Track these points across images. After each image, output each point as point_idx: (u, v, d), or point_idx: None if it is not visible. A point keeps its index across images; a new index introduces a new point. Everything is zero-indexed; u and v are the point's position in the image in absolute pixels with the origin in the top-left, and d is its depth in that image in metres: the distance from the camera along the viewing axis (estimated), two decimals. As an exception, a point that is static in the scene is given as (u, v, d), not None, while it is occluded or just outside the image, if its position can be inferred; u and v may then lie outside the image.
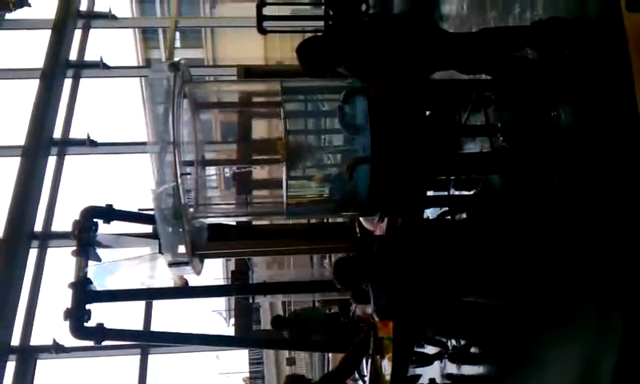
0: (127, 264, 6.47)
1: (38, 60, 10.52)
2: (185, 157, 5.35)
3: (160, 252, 5.52)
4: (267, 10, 9.68)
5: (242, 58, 16.11)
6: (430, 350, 6.50)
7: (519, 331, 4.90)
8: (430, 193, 5.75)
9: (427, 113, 5.44)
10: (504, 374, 5.38)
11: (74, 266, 6.17)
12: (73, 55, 11.10)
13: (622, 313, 3.66)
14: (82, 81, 11.07)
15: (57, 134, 10.18)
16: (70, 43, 11.10)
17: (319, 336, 7.97)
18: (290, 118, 5.30)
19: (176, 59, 5.26)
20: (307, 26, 9.97)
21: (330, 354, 11.13)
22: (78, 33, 11.37)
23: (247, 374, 21.17)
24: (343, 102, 5.00)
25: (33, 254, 9.06)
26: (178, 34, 15.99)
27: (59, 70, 10.56)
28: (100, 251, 6.40)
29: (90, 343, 6.46)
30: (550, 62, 4.43)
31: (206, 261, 5.69)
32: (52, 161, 9.94)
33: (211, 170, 6.12)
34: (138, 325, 8.89)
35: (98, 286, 6.24)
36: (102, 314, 6.27)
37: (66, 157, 10.19)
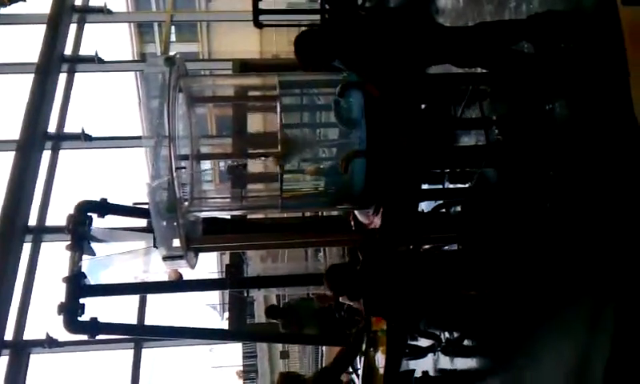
0: (121, 258, 6.44)
1: (32, 54, 10.50)
2: (180, 151, 5.33)
3: (154, 246, 5.49)
4: (263, 4, 9.66)
5: (238, 51, 16.07)
6: (424, 342, 6.51)
7: (512, 324, 4.92)
8: (424, 186, 5.76)
9: (423, 106, 5.45)
10: (497, 366, 5.40)
11: (68, 260, 6.13)
12: (68, 50, 11.08)
13: (614, 306, 3.68)
14: (77, 75, 11.05)
15: (51, 128, 10.17)
16: (65, 38, 11.07)
17: (313, 327, 7.97)
18: (286, 112, 5.30)
19: (171, 53, 5.24)
20: (303, 20, 9.96)
21: (324, 347, 11.17)
22: (73, 27, 11.32)
23: (241, 368, 21.20)
24: (339, 96, 4.99)
25: (27, 248, 9.04)
26: (173, 28, 15.92)
27: (54, 65, 10.52)
28: (94, 245, 6.36)
29: (84, 337, 6.44)
30: (545, 56, 4.43)
31: (201, 254, 5.68)
32: (46, 155, 9.93)
33: (206, 164, 6.10)
34: (132, 319, 8.90)
35: (92, 280, 6.21)
36: (95, 308, 6.25)
37: (61, 151, 10.18)
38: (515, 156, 4.95)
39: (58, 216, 9.20)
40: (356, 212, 5.62)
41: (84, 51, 11.25)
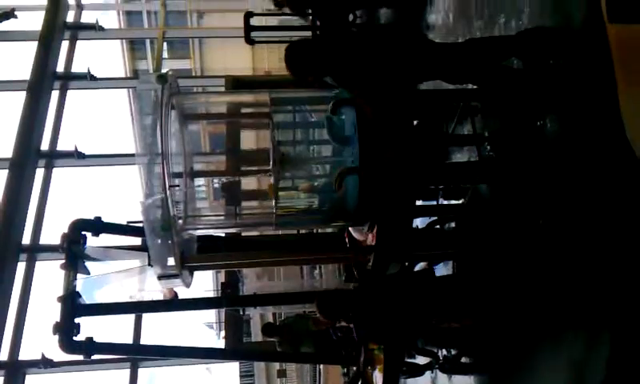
0: (116, 277, 6.42)
1: (24, 72, 10.50)
2: (173, 168, 5.34)
3: (149, 264, 5.49)
4: (255, 21, 9.70)
5: (230, 68, 16.10)
6: (421, 360, 6.50)
7: (509, 342, 4.92)
8: (418, 202, 5.77)
9: (415, 123, 5.48)
10: (494, 383, 5.40)
11: (62, 280, 6.12)
12: (60, 67, 11.08)
13: (609, 326, 3.68)
14: (70, 92, 11.04)
15: (44, 146, 10.15)
16: (57, 55, 11.07)
17: (310, 345, 7.95)
18: (278, 129, 5.32)
19: (164, 70, 5.26)
20: (295, 37, 9.99)
21: (322, 366, 11.14)
22: (64, 44, 11.34)
23: (238, 386, 21.04)
24: (331, 113, 5.02)
25: (21, 267, 9.00)
26: (165, 44, 15.96)
27: (46, 82, 10.52)
28: (89, 264, 6.35)
29: (80, 357, 6.41)
30: (535, 72, 4.47)
31: (196, 273, 5.67)
32: (40, 173, 9.90)
33: (200, 182, 6.11)
34: (127, 338, 8.86)
35: (87, 299, 6.19)
36: (91, 327, 6.23)
37: (54, 169, 10.15)
38: (507, 172, 4.97)
39: (52, 234, 9.20)
40: (350, 229, 5.63)
41: (76, 68, 11.27)
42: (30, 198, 9.51)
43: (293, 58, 4.50)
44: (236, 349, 9.35)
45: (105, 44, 15.78)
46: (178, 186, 5.26)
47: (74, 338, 5.92)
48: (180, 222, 5.35)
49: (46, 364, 8.23)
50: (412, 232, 5.52)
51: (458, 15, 6.18)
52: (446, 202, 5.96)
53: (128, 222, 6.22)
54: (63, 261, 6.14)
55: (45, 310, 6.81)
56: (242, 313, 9.12)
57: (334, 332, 7.16)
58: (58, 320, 5.89)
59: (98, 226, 6.27)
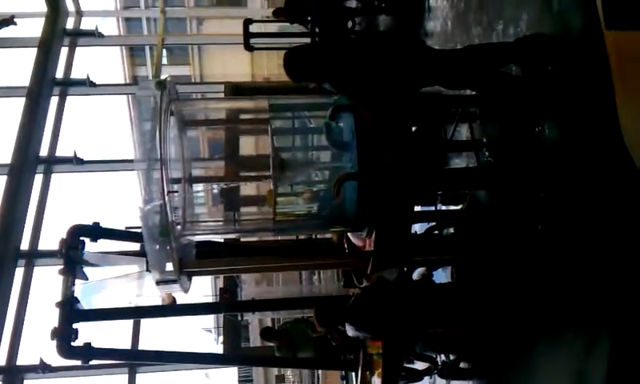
0: (115, 282, 6.42)
1: (24, 78, 10.53)
2: (172, 174, 5.34)
3: (148, 270, 5.49)
4: (254, 28, 9.74)
5: (229, 74, 16.16)
6: (420, 365, 6.50)
7: (508, 347, 4.92)
8: (417, 208, 5.78)
9: (413, 129, 5.49)
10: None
11: (60, 285, 6.12)
12: (59, 73, 11.10)
13: (609, 329, 3.69)
14: (69, 99, 11.07)
15: (43, 151, 10.17)
16: (57, 61, 11.11)
17: (308, 350, 7.94)
18: (277, 135, 5.32)
19: (163, 76, 5.27)
20: (294, 43, 10.01)
21: (320, 371, 11.13)
22: (64, 51, 11.36)
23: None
24: (330, 119, 5.03)
25: (19, 272, 8.99)
26: (165, 51, 16.00)
27: (45, 88, 10.55)
28: (87, 270, 6.35)
29: (78, 362, 6.40)
30: (533, 78, 4.49)
31: (195, 278, 5.67)
32: (39, 179, 9.91)
33: (199, 187, 6.11)
34: (126, 344, 8.84)
35: (86, 304, 6.19)
36: (89, 333, 6.23)
37: (53, 175, 10.16)
38: (506, 178, 4.98)
39: (50, 240, 9.19)
40: (349, 234, 5.63)
41: (75, 74, 11.29)
42: (29, 203, 9.52)
43: (292, 64, 4.51)
44: (234, 354, 9.34)
45: (104, 51, 15.79)
46: (177, 191, 5.26)
47: (72, 344, 5.91)
48: (178, 227, 5.35)
49: (44, 369, 8.21)
50: (410, 237, 5.52)
51: (456, 22, 6.21)
52: (444, 208, 5.97)
53: (126, 228, 6.23)
54: (61, 266, 6.13)
55: (43, 315, 6.81)
56: (240, 318, 9.11)
57: (332, 337, 7.15)
58: (56, 325, 5.89)
59: (97, 232, 6.27)
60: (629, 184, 3.47)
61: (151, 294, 6.29)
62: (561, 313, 4.17)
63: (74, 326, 5.96)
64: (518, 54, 4.54)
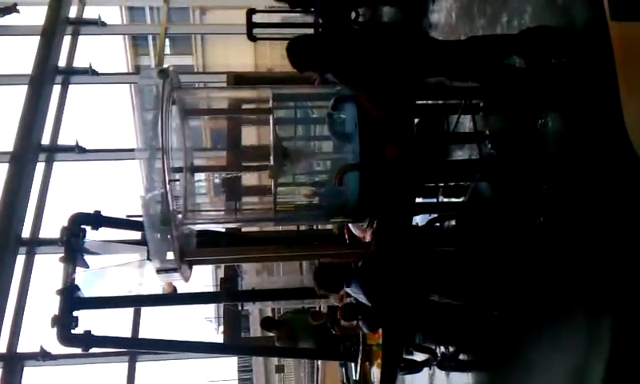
0: (115, 271, 6.43)
1: (26, 66, 10.51)
2: (174, 163, 5.34)
3: (148, 258, 5.50)
4: (257, 18, 9.70)
5: (232, 64, 16.12)
6: (419, 357, 6.51)
7: (508, 338, 4.92)
8: (418, 200, 5.77)
9: (416, 120, 5.48)
10: (493, 380, 5.40)
11: (61, 273, 6.13)
12: (62, 62, 11.07)
13: (610, 320, 3.68)
14: (71, 87, 11.04)
15: (45, 140, 10.14)
16: (59, 50, 11.07)
17: (308, 340, 7.95)
18: (279, 125, 5.31)
19: (165, 66, 5.26)
20: (297, 34, 9.97)
21: (320, 361, 11.14)
22: (67, 39, 11.33)
23: (236, 382, 21.09)
24: (332, 109, 5.02)
25: (20, 260, 9.00)
26: (167, 40, 15.96)
27: (48, 77, 10.52)
28: (88, 258, 6.36)
29: (78, 350, 6.41)
30: (537, 71, 4.46)
31: (196, 268, 5.67)
32: (40, 167, 9.90)
33: (201, 177, 6.11)
34: (126, 332, 8.86)
35: (86, 292, 6.20)
36: (90, 321, 6.24)
37: (55, 163, 10.15)
38: (508, 170, 4.97)
39: (51, 228, 9.20)
40: (350, 225, 5.64)
41: (78, 63, 11.26)
42: (31, 191, 9.51)
43: (295, 53, 4.48)
44: (234, 343, 9.35)
45: (107, 40, 15.75)
46: (178, 180, 5.26)
47: (73, 331, 5.93)
48: (179, 216, 5.35)
49: (44, 357, 8.23)
50: (412, 229, 5.52)
51: (460, 14, 6.18)
52: (446, 200, 5.96)
53: (127, 216, 6.23)
54: (62, 254, 6.14)
55: (44, 303, 6.82)
56: (240, 308, 9.12)
57: (332, 327, 7.17)
58: (57, 313, 5.90)
59: (98, 220, 6.28)
60: (632, 177, 3.46)
61: (152, 282, 6.31)
62: (561, 305, 4.17)
63: (75, 313, 5.98)
64: (522, 46, 4.51)
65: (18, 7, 10.37)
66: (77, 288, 6.05)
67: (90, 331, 6.00)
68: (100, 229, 6.35)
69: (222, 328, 12.29)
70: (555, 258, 4.23)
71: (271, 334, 8.55)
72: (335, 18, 8.88)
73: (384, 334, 5.71)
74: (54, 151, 10.19)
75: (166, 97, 4.94)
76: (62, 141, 10.34)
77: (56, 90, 10.71)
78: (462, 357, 6.03)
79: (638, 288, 3.44)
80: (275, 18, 10.89)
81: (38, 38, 10.70)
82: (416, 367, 6.52)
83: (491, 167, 5.24)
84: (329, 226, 7.30)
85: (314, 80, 6.33)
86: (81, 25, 11.75)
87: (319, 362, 11.27)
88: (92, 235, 6.30)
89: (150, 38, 20.00)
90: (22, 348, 8.54)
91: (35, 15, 11.15)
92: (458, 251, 5.57)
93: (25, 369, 8.55)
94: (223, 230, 6.84)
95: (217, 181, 6.16)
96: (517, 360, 4.77)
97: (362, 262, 5.00)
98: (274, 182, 5.13)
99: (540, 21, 4.47)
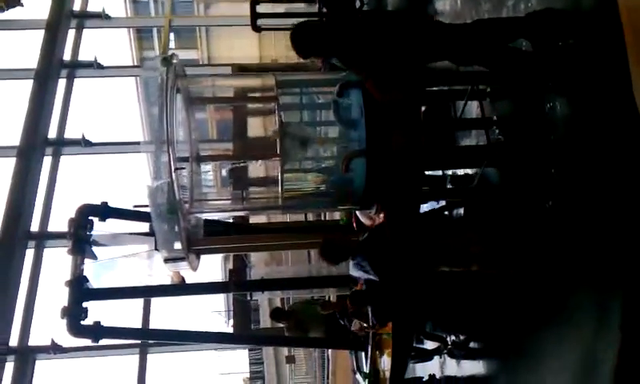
0: (125, 261, 6.44)
1: (31, 60, 10.52)
2: (180, 154, 5.32)
3: (156, 249, 5.50)
4: (261, 8, 9.66)
5: (237, 57, 16.07)
6: (430, 345, 6.48)
7: (518, 326, 4.89)
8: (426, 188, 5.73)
9: (423, 106, 5.43)
10: (503, 368, 5.37)
11: (70, 265, 6.14)
12: (67, 55, 11.08)
13: (620, 305, 3.64)
14: (77, 81, 11.05)
15: (52, 134, 10.18)
16: (64, 43, 11.08)
17: (318, 330, 7.95)
18: (284, 111, 5.28)
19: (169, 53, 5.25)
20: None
21: (330, 351, 11.15)
22: (71, 33, 11.33)
23: (247, 374, 21.13)
24: (338, 96, 4.98)
25: (29, 254, 9.04)
26: (172, 34, 15.92)
27: (53, 70, 10.54)
28: (96, 250, 6.37)
29: (88, 343, 6.43)
30: (544, 53, 4.41)
31: (205, 260, 5.66)
32: (47, 161, 9.94)
33: (207, 167, 6.08)
34: (137, 325, 8.86)
35: (95, 283, 6.21)
36: (100, 313, 6.25)
37: (61, 157, 10.18)
38: (516, 155, 4.93)
39: (60, 222, 9.22)
40: (358, 213, 5.60)
41: (83, 57, 11.26)
42: (38, 185, 9.54)
43: (299, 38, 4.43)
44: (244, 333, 9.35)
45: (112, 32, 15.73)
46: (184, 167, 5.24)
47: (82, 322, 5.94)
48: (186, 205, 5.34)
49: (55, 350, 8.27)
50: (419, 216, 5.49)
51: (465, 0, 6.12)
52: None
53: (134, 206, 6.23)
54: (70, 246, 6.15)
55: (54, 297, 6.84)
56: (249, 297, 9.11)
57: (341, 317, 7.16)
58: (66, 304, 5.91)
59: (105, 211, 6.29)
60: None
61: (161, 273, 6.31)
62: (570, 290, 4.13)
63: (84, 304, 5.99)
64: (529, 28, 4.45)
65: (21, 0, 10.35)
66: (85, 279, 6.07)
67: (99, 322, 6.02)
68: (107, 220, 6.35)
69: (231, 322, 12.32)
70: (565, 243, 4.19)
71: (281, 325, 8.56)
72: (340, 7, 8.83)
73: (394, 322, 5.69)
74: (61, 145, 10.23)
75: (169, 85, 4.92)
76: (69, 134, 10.38)
77: (61, 83, 10.73)
78: (472, 345, 6.01)
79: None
80: (280, 8, 10.83)
81: (43, 31, 10.71)
82: (427, 355, 6.50)
83: (499, 153, 5.19)
84: (337, 217, 7.29)
85: (318, 68, 6.30)
86: (85, 18, 11.74)
87: (329, 352, 11.28)
88: (99, 227, 6.31)
89: (154, 31, 19.96)
90: (33, 341, 8.60)
91: (39, 9, 11.15)
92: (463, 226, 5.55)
93: (36, 362, 8.60)
94: (231, 221, 6.83)
95: (224, 171, 6.14)
96: (527, 347, 4.74)
97: (367, 234, 4.96)
98: (281, 168, 5.11)
99: (547, 3, 4.41)
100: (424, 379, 6.58)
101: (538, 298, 4.54)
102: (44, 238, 9.24)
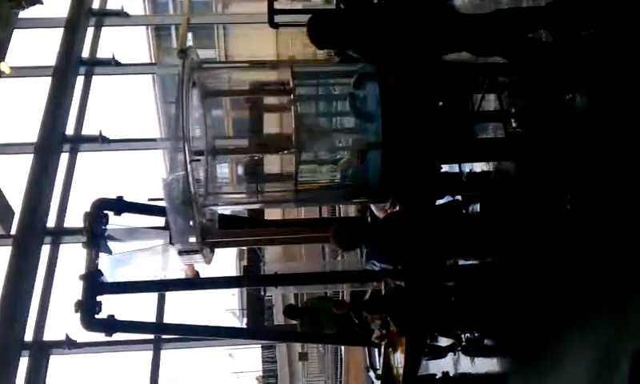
0: (140, 255, 6.43)
1: (50, 58, 10.60)
2: (196, 148, 5.31)
3: (171, 243, 5.48)
4: (279, 5, 9.63)
5: (254, 55, 16.08)
6: (444, 342, 6.41)
7: (533, 323, 4.81)
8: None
9: (441, 99, 5.36)
10: (517, 366, 5.30)
11: (84, 258, 6.13)
12: (85, 53, 11.16)
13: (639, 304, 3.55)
14: (95, 78, 11.11)
15: (69, 130, 10.25)
16: (83, 41, 11.16)
17: (331, 327, 7.90)
18: (301, 103, 5.23)
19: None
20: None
21: (343, 348, 11.09)
22: (90, 30, 11.41)
23: (260, 373, 21.16)
24: (354, 88, 4.93)
25: (46, 249, 9.09)
26: (190, 34, 15.97)
27: (72, 68, 10.62)
28: (111, 244, 6.36)
29: (102, 338, 6.41)
30: (564, 44, 4.34)
31: (220, 257, 5.64)
32: (64, 157, 10.00)
33: (223, 160, 6.05)
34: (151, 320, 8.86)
35: (110, 277, 6.20)
36: (115, 308, 6.24)
37: (79, 153, 10.23)
38: (535, 149, 4.85)
39: (76, 218, 9.26)
40: (372, 206, 5.54)
41: (101, 54, 11.34)
42: (55, 181, 9.60)
43: (315, 28, 4.39)
44: (258, 329, 9.32)
45: (130, 30, 15.83)
46: (199, 159, 5.22)
47: (96, 316, 5.93)
48: (201, 198, 5.32)
49: (69, 345, 8.31)
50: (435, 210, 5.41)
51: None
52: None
53: (149, 199, 6.21)
54: (85, 240, 6.15)
55: (69, 292, 6.84)
56: (262, 293, 9.08)
57: (354, 315, 7.09)
58: (80, 298, 5.91)
59: (120, 205, 6.28)
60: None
61: (175, 268, 6.29)
62: (587, 288, 4.04)
63: (98, 298, 5.97)
64: (549, 18, 4.38)
65: (41, -1, 10.42)
66: (100, 273, 6.06)
67: (113, 316, 6.00)
68: (122, 214, 6.35)
69: (245, 320, 12.33)
70: (584, 237, 4.11)
71: (294, 322, 8.52)
72: (356, 3, 8.78)
73: (408, 319, 5.62)
74: (78, 142, 10.27)
75: (186, 77, 4.91)
76: (86, 131, 10.44)
77: (79, 80, 10.79)
78: (486, 342, 5.93)
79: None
80: (297, 4, 10.82)
81: (62, 29, 10.78)
82: (440, 352, 6.43)
83: (517, 145, 5.11)
84: (351, 213, 7.24)
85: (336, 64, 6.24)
86: (104, 16, 11.81)
87: (342, 351, 11.23)
88: (115, 221, 6.31)
89: (172, 29, 20.07)
90: (48, 336, 8.63)
91: (59, 7, 11.22)
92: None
93: (51, 357, 8.63)
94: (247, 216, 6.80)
95: (239, 164, 6.11)
96: (541, 345, 4.66)
97: (380, 222, 4.90)
98: (297, 160, 5.06)
99: (567, -8, 4.33)
100: (437, 377, 6.51)
101: (554, 296, 4.46)
102: (60, 234, 9.28)
